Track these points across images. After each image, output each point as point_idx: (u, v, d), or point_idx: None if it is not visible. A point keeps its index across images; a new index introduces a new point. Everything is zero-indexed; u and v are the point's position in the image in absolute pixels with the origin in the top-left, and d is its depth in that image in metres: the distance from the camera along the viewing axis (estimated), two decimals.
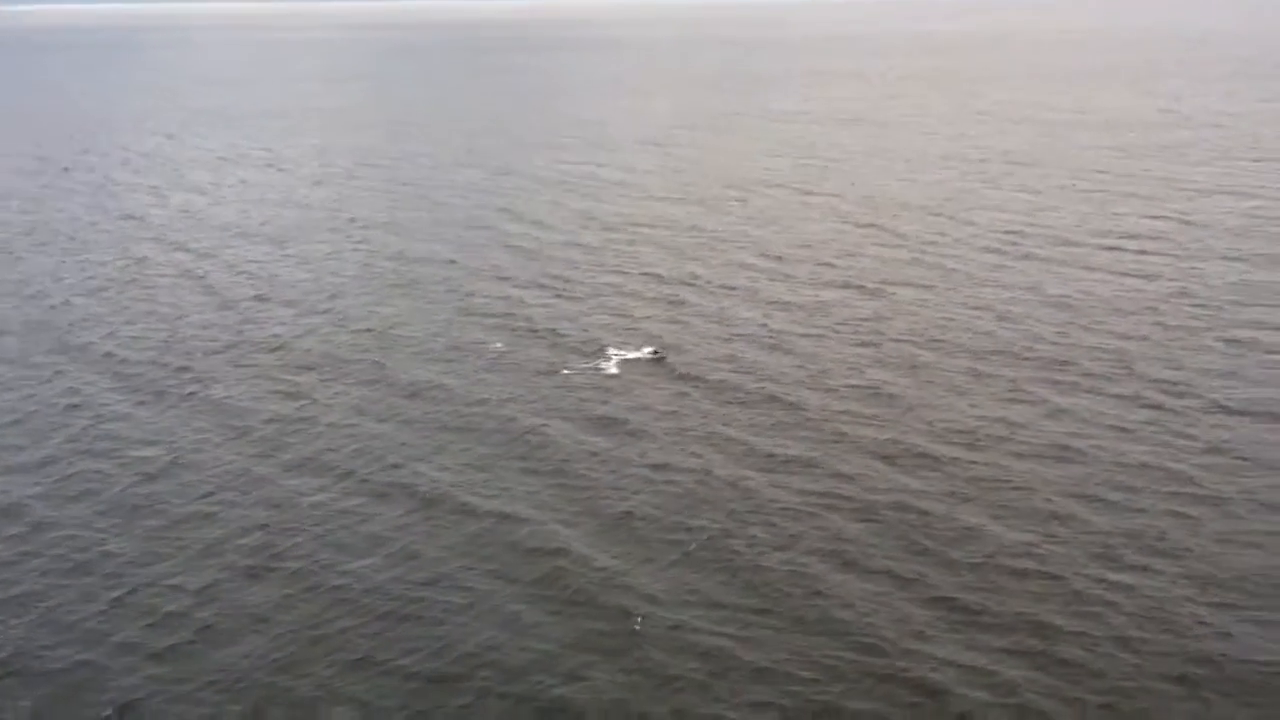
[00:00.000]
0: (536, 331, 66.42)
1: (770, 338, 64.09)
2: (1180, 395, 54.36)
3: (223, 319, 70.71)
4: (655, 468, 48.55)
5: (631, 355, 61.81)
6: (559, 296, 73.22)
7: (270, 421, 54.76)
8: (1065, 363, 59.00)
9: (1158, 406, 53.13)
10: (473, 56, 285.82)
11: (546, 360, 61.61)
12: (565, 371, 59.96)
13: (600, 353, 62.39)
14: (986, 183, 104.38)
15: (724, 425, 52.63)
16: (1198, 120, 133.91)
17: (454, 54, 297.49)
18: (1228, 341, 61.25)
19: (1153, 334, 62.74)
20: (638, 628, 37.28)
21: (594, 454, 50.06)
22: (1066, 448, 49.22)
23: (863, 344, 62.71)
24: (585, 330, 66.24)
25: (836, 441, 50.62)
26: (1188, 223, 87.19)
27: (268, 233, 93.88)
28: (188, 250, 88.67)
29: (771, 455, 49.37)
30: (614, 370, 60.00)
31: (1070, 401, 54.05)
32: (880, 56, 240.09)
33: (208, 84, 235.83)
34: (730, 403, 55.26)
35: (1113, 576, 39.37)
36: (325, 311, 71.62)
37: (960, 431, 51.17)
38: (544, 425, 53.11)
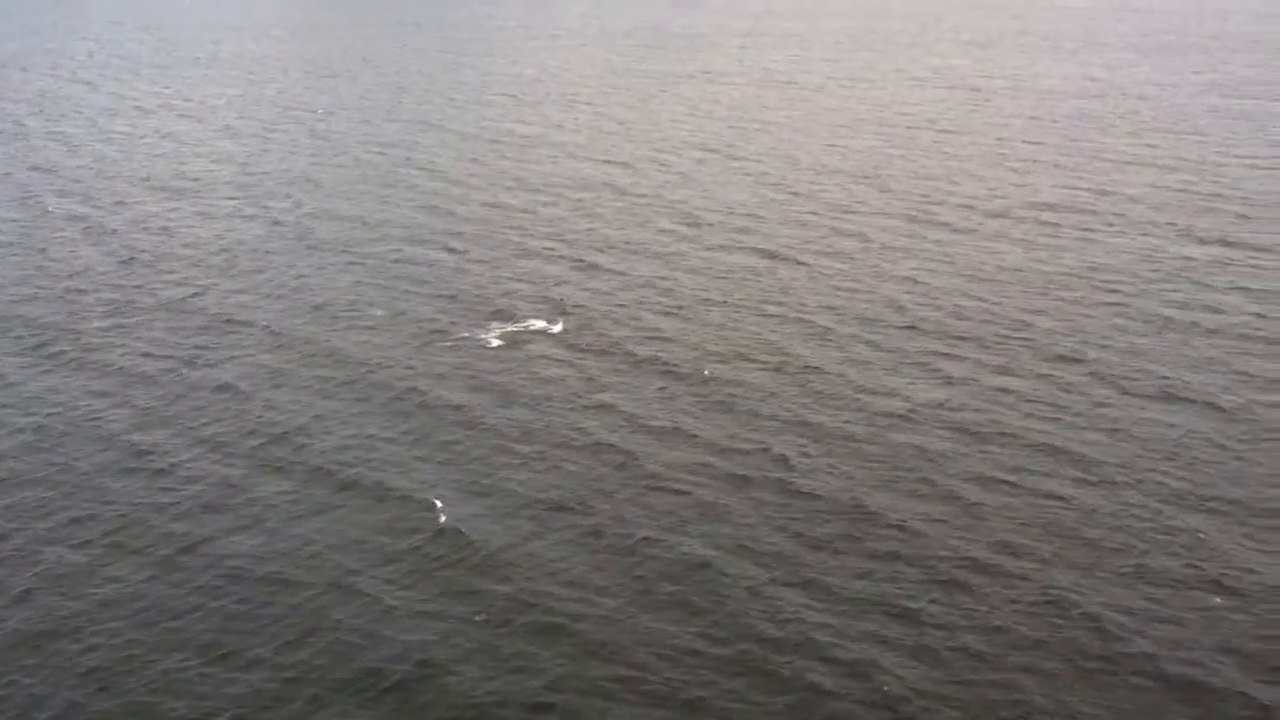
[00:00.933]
0: (440, 294, 64.92)
1: (678, 306, 62.97)
2: (1083, 371, 53.98)
3: (119, 277, 68.55)
4: (537, 440, 47.43)
5: (533, 323, 60.53)
6: (469, 259, 71.64)
7: (153, 386, 53.01)
8: (970, 337, 58.43)
9: (1065, 386, 52.68)
10: (409, 5, 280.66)
11: (444, 325, 60.19)
12: (464, 336, 58.61)
13: (501, 318, 61.07)
14: (913, 150, 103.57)
15: (618, 396, 51.55)
16: (1129, 91, 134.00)
17: (391, 1, 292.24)
18: (1140, 318, 60.95)
19: (1060, 308, 62.33)
20: (493, 612, 36.23)
21: (475, 424, 48.84)
22: (964, 424, 48.66)
23: (771, 314, 61.78)
24: (488, 295, 64.82)
25: (730, 412, 49.74)
26: (1107, 194, 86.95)
27: (176, 186, 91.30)
28: (93, 204, 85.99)
29: (663, 428, 48.39)
30: (511, 337, 58.68)
31: (970, 374, 53.50)
32: (823, 19, 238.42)
33: (132, 29, 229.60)
34: (628, 373, 54.15)
35: (993, 561, 38.85)
36: (223, 271, 69.60)
37: (861, 408, 50.45)
38: (434, 393, 51.83)
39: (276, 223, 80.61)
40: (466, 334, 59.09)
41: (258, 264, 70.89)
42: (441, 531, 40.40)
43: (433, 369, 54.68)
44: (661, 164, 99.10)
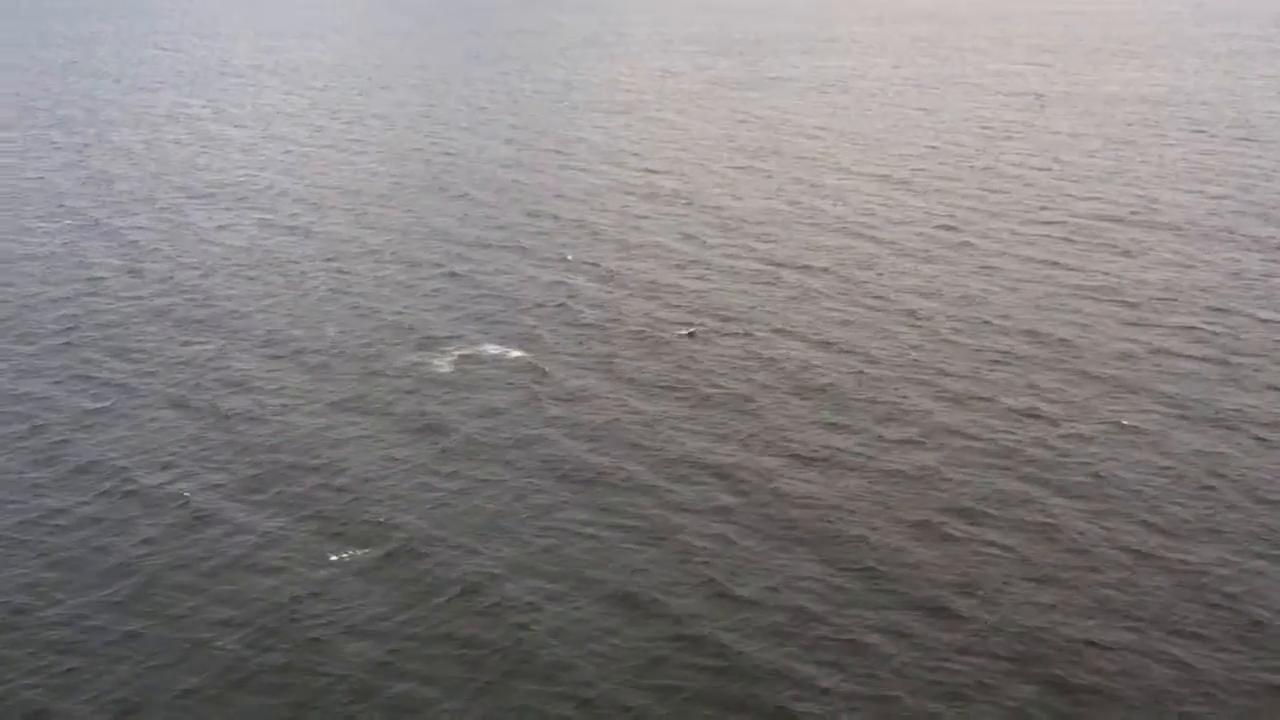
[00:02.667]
0: (397, 321, 61.08)
1: (655, 333, 58.38)
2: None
3: (79, 291, 65.68)
4: (456, 480, 43.17)
5: (493, 350, 56.37)
6: (447, 279, 67.75)
7: (63, 416, 49.67)
8: (955, 372, 53.16)
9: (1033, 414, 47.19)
10: (474, 13, 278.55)
11: (391, 352, 56.29)
12: (411, 362, 54.70)
13: (452, 344, 57.09)
14: (951, 159, 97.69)
15: (566, 435, 47.08)
16: (1208, 100, 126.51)
17: (448, 7, 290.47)
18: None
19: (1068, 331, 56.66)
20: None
21: (397, 462, 44.73)
22: (925, 467, 43.46)
23: (751, 346, 56.91)
24: (448, 319, 60.81)
25: (679, 463, 44.99)
26: (1155, 206, 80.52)
27: (170, 200, 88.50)
28: (77, 216, 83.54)
29: (606, 475, 43.83)
30: (465, 366, 54.49)
31: (956, 420, 48.22)
32: (882, 23, 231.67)
33: (172, 35, 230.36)
34: (584, 408, 49.66)
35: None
36: (182, 291, 66.25)
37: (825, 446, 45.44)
38: (360, 427, 47.85)
39: (254, 239, 77.36)
40: (424, 362, 55.14)
41: (218, 287, 67.65)
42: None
43: (376, 402, 50.64)
44: (680, 173, 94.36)
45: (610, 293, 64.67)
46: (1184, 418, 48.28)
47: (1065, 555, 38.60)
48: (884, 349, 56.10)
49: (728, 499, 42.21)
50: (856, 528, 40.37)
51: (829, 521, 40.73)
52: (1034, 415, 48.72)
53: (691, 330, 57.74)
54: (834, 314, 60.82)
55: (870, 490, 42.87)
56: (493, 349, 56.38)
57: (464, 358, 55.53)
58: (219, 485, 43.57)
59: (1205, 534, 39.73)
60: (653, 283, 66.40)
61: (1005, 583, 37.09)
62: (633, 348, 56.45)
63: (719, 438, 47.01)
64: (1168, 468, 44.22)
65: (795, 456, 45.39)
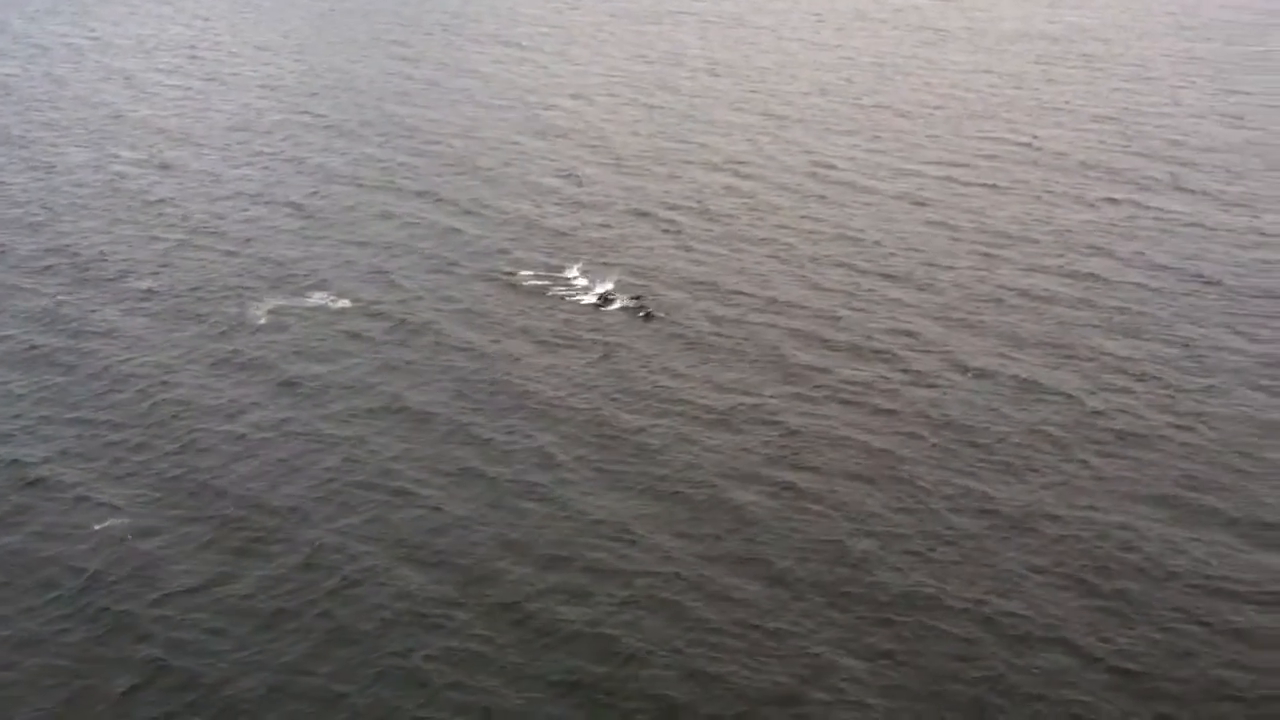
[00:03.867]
0: (246, 266, 59.47)
1: (506, 277, 57.43)
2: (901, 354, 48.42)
3: None
4: (274, 431, 42.28)
5: (326, 296, 54.67)
6: (304, 221, 66.06)
7: None
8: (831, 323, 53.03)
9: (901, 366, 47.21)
10: None
11: (232, 298, 54.88)
12: (252, 309, 53.33)
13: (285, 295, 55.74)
14: (843, 96, 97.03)
15: (386, 381, 46.16)
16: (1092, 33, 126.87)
17: None
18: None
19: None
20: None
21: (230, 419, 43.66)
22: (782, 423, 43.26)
23: (609, 290, 56.18)
24: (300, 264, 59.42)
25: (511, 410, 44.34)
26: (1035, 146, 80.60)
27: (33, 135, 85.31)
28: None
29: (408, 412, 43.14)
30: (299, 313, 52.99)
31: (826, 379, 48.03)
32: None
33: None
34: (410, 353, 48.61)
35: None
36: (25, 229, 63.95)
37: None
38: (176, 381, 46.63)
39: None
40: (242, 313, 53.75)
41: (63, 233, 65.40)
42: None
43: (202, 354, 49.26)
44: (592, 105, 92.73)
45: (476, 233, 63.46)
46: (1037, 359, 48.46)
47: (898, 490, 38.66)
48: (745, 285, 55.71)
49: (547, 438, 41.72)
50: (671, 464, 40.14)
51: (656, 462, 40.42)
52: (885, 354, 48.70)
53: (646, 312, 53.75)
54: (700, 251, 60.25)
55: (693, 426, 42.59)
56: (326, 295, 54.69)
57: (302, 305, 54.03)
58: (47, 439, 42.26)
59: (1026, 474, 39.99)
60: (523, 221, 65.28)
61: (825, 518, 37.03)
62: (489, 294, 55.31)
63: (560, 380, 46.36)
64: (997, 412, 44.34)
65: (630, 394, 44.97)
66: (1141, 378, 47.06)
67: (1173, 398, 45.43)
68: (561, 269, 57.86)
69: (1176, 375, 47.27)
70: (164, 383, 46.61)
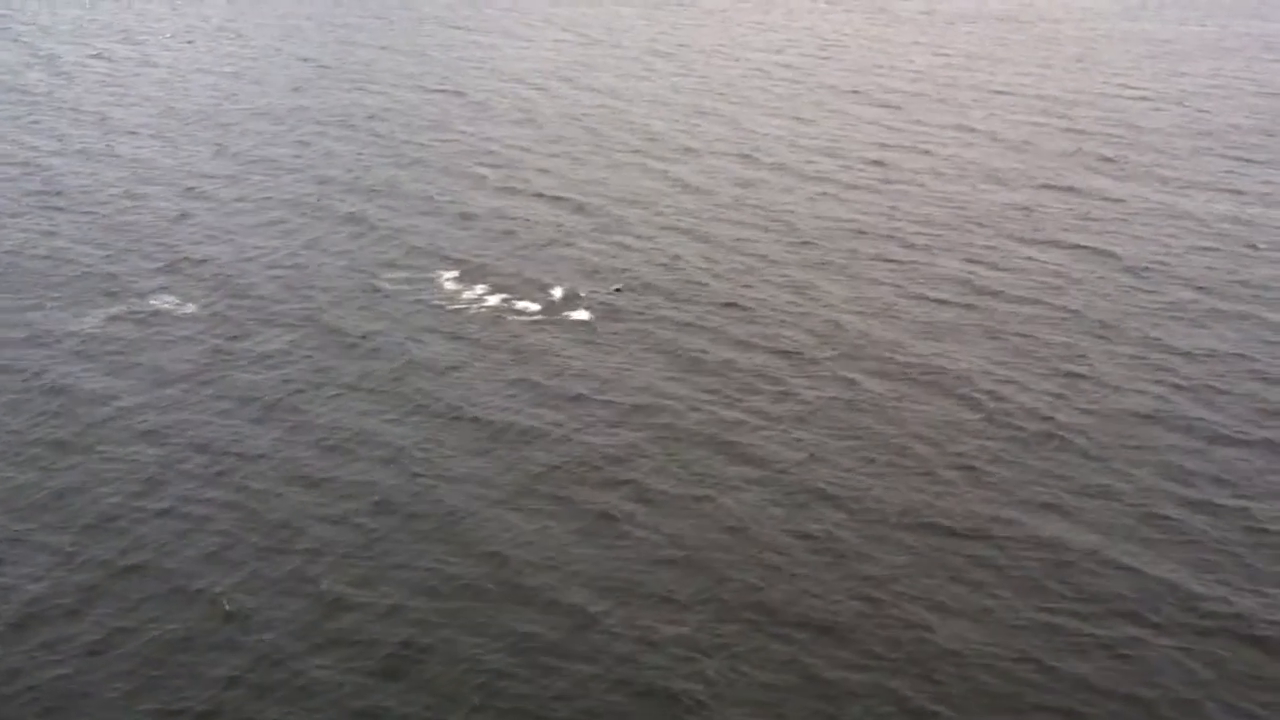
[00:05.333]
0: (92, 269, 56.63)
1: (374, 283, 54.79)
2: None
3: None
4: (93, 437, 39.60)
5: (170, 302, 51.32)
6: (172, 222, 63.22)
7: None
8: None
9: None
10: None
11: (67, 305, 52.04)
12: (86, 316, 50.29)
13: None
14: (780, 79, 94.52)
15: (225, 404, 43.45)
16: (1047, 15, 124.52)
17: None
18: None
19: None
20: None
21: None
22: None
23: (467, 291, 53.67)
24: (149, 266, 56.67)
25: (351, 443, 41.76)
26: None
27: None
28: None
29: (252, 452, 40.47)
30: (131, 320, 49.56)
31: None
32: None
33: None
34: (256, 362, 45.82)
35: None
36: None
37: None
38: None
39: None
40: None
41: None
42: None
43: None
44: (520, 85, 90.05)
45: (369, 229, 60.52)
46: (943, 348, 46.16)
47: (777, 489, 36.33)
48: (657, 275, 53.38)
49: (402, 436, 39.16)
50: (556, 447, 37.69)
51: (526, 441, 37.98)
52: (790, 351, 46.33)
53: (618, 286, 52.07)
54: (590, 247, 57.67)
55: (572, 410, 40.20)
56: (172, 300, 51.39)
57: (140, 312, 50.31)
58: None
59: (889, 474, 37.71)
60: (429, 215, 62.67)
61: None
62: (356, 299, 52.02)
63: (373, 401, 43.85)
64: (863, 425, 41.98)
65: (501, 392, 42.45)
66: (1059, 372, 44.70)
67: (1082, 391, 43.14)
68: (449, 268, 54.96)
69: (1094, 367, 44.96)
70: None
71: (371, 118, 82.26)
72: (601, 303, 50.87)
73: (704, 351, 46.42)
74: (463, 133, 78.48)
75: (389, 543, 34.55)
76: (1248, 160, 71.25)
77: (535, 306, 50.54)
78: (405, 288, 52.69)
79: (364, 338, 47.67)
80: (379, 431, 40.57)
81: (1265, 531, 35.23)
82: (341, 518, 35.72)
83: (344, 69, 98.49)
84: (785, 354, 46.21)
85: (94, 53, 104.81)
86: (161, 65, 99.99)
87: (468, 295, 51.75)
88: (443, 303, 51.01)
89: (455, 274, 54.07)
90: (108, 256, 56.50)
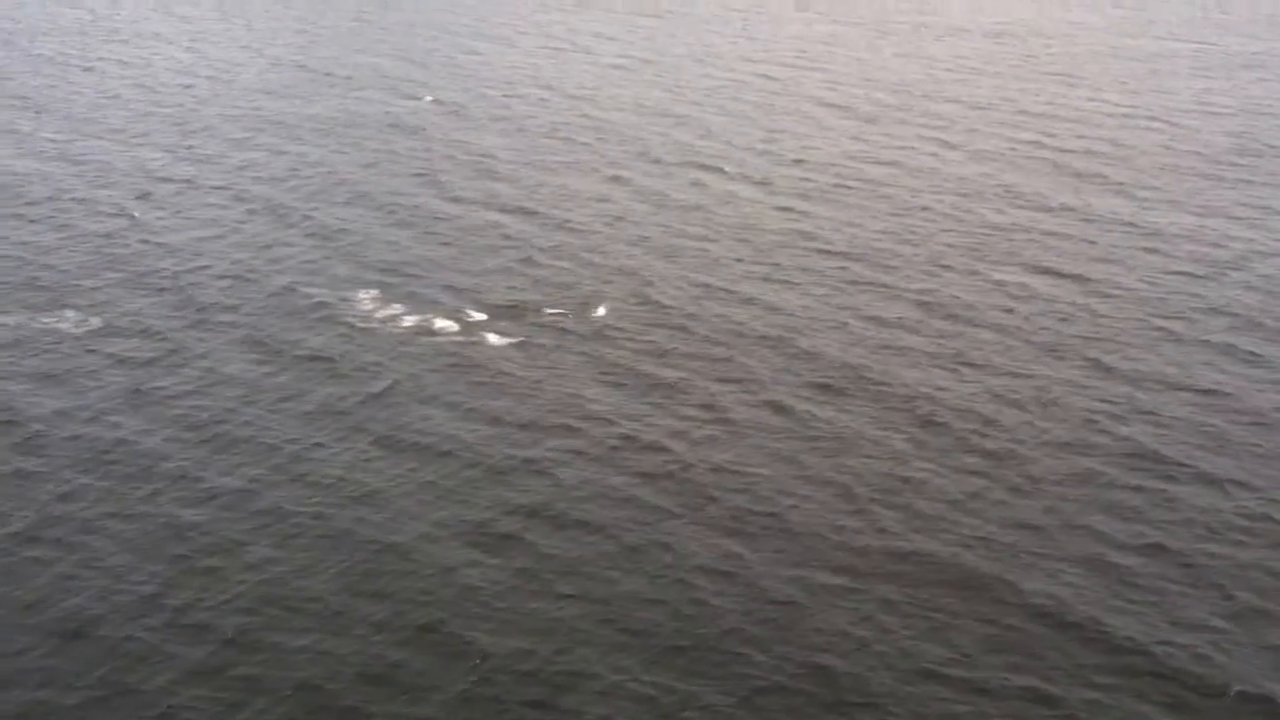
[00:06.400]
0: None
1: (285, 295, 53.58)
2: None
3: None
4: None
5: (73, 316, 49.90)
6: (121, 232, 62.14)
7: None
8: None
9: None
10: None
11: None
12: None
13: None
14: (744, 86, 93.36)
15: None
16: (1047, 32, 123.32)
17: None
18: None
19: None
20: None
21: None
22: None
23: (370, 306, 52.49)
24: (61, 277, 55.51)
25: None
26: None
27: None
28: None
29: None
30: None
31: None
32: None
33: None
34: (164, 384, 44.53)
35: None
36: None
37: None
38: None
39: None
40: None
41: None
42: None
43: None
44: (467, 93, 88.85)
45: (294, 241, 59.08)
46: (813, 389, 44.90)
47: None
48: (603, 292, 52.21)
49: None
50: (469, 431, 36.55)
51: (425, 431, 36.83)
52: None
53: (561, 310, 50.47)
54: (547, 263, 56.47)
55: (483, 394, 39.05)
56: (75, 314, 50.00)
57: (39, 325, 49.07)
58: None
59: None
60: (357, 229, 61.27)
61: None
62: (275, 316, 50.54)
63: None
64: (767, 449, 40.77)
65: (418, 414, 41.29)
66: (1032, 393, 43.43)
67: (1025, 417, 41.86)
68: (371, 287, 53.30)
69: (1047, 391, 43.68)
70: None
71: (347, 124, 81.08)
72: (545, 322, 49.64)
73: (643, 372, 45.22)
74: (436, 140, 77.31)
75: (300, 573, 33.36)
76: (1219, 179, 69.90)
77: (477, 320, 49.37)
78: (343, 301, 51.45)
79: (308, 355, 46.39)
80: (306, 453, 39.38)
81: (1193, 566, 33.95)
82: (240, 545, 34.55)
83: (323, 72, 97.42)
84: (728, 378, 44.95)
85: (78, 57, 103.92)
86: (138, 65, 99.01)
87: (400, 311, 50.42)
88: (379, 322, 49.57)
89: (396, 289, 52.79)
90: (29, 263, 55.23)
